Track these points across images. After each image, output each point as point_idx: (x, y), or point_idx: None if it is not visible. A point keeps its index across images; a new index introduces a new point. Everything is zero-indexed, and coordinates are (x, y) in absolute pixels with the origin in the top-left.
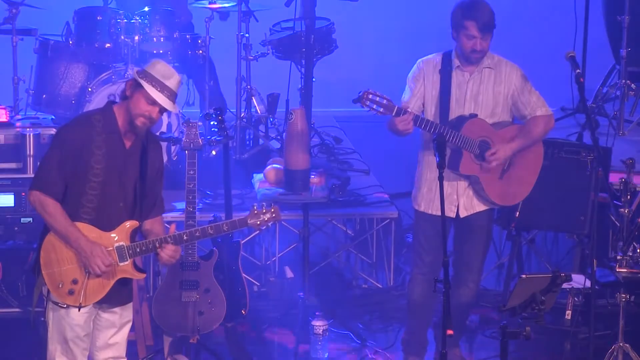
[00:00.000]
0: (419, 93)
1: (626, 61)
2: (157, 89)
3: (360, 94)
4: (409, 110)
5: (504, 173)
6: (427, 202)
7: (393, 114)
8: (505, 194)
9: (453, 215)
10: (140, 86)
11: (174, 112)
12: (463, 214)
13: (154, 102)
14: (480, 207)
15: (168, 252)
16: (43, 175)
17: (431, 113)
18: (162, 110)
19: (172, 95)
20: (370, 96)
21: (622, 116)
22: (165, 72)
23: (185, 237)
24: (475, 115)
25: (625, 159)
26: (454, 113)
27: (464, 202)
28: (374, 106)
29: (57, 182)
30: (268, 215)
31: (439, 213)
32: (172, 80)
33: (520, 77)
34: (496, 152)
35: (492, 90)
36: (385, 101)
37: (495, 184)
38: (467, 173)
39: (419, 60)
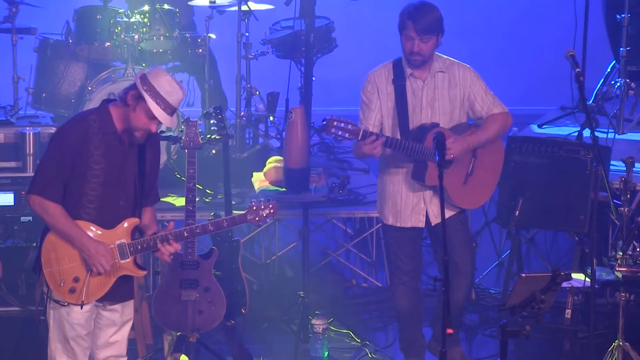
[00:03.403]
0: (375, 107)
1: (626, 60)
2: (160, 107)
3: (324, 122)
4: (373, 131)
5: (467, 178)
6: (394, 216)
7: (359, 138)
8: (471, 198)
9: (422, 225)
10: (143, 99)
11: (172, 125)
12: (434, 221)
13: (154, 118)
14: (449, 212)
15: (168, 249)
16: (42, 179)
17: (389, 125)
18: (160, 123)
19: (173, 111)
20: (335, 123)
21: (621, 115)
22: (170, 88)
23: (186, 234)
24: (437, 125)
25: (625, 157)
26: (412, 122)
27: (433, 210)
28: (340, 132)
29: (56, 186)
30: (267, 211)
31: (408, 225)
32: (175, 97)
33: (474, 78)
34: (451, 147)
35: (447, 95)
36: (350, 126)
37: (460, 190)
38: (434, 184)
39: (370, 73)
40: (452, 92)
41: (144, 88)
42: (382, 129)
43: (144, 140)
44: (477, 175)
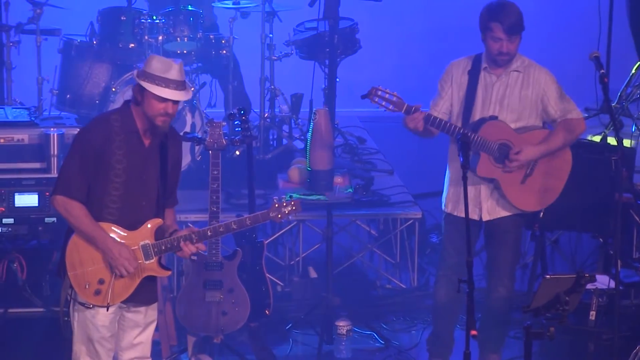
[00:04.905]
0: (446, 95)
1: None
2: (162, 86)
3: (369, 90)
4: (421, 109)
5: (526, 178)
6: (453, 204)
7: (403, 111)
8: (527, 200)
9: (477, 217)
10: (146, 89)
11: (187, 98)
12: (486, 217)
13: (164, 100)
14: (503, 212)
15: (191, 249)
16: (66, 179)
17: (455, 114)
18: (175, 102)
19: (179, 85)
20: (380, 92)
21: None
22: (163, 66)
23: (209, 233)
24: (496, 118)
25: None
26: (478, 115)
27: (487, 206)
28: (383, 102)
29: (80, 185)
30: (289, 208)
31: (463, 215)
32: (172, 71)
33: (550, 82)
34: (520, 153)
35: (518, 94)
36: (395, 98)
37: (516, 189)
38: (485, 175)
39: (450, 63)
40: (523, 92)
41: (141, 78)
42: (450, 117)
43: (166, 139)
44: (537, 177)
